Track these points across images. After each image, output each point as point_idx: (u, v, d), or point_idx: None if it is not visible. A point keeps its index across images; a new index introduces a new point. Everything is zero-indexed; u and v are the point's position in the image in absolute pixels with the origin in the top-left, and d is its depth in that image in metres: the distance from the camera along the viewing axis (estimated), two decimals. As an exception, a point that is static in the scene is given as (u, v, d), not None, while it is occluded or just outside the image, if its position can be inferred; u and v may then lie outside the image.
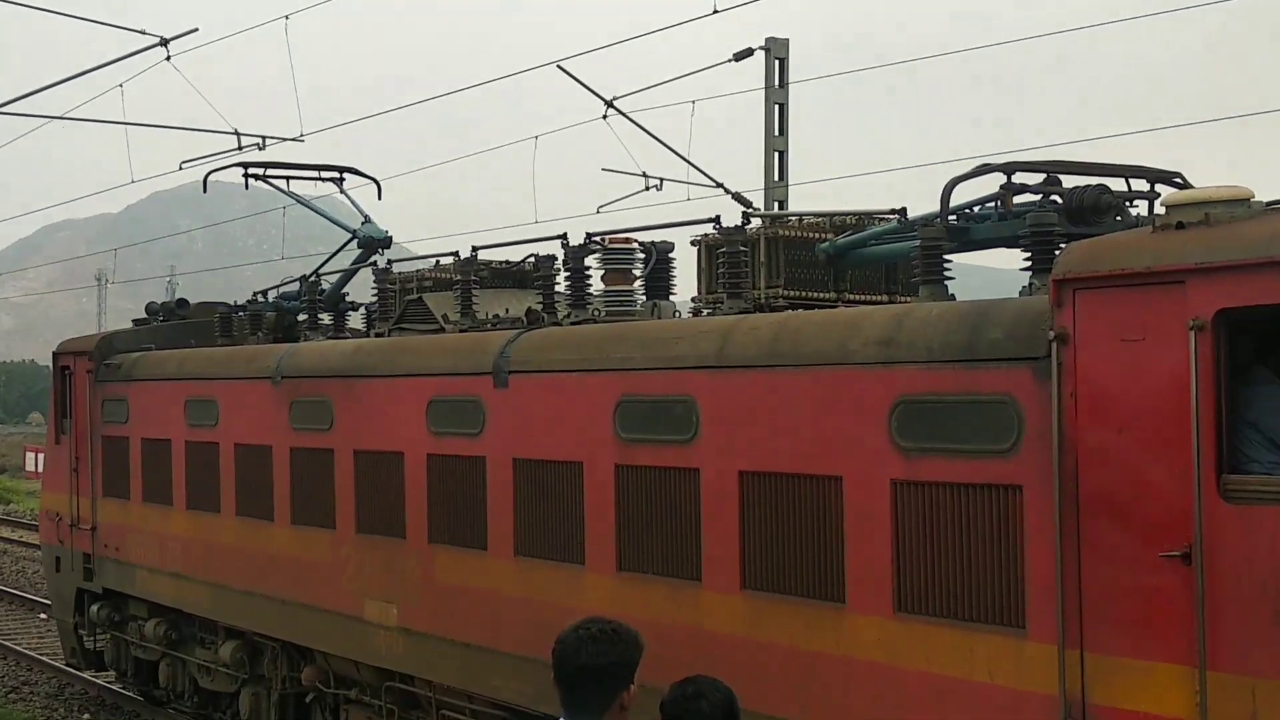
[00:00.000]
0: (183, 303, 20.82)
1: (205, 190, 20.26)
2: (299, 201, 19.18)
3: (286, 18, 21.77)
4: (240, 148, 22.47)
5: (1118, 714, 7.25)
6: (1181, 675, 7.16)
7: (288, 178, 19.00)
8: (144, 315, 20.68)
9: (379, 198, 19.08)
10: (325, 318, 17.37)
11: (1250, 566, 6.94)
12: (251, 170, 18.80)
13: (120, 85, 21.75)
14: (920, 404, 8.64)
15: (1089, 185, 9.38)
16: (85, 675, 21.20)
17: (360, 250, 17.65)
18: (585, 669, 5.26)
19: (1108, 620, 7.52)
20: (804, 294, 11.18)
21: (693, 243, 11.93)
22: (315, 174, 19.16)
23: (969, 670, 8.29)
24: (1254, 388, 7.16)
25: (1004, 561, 8.13)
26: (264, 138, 22.75)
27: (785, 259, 11.34)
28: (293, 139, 22.91)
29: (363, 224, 17.93)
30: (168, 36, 20.50)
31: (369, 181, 19.40)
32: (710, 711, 5.38)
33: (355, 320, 17.36)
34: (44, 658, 23.37)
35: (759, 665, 9.40)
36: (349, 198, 18.83)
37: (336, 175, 19.08)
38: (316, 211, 18.75)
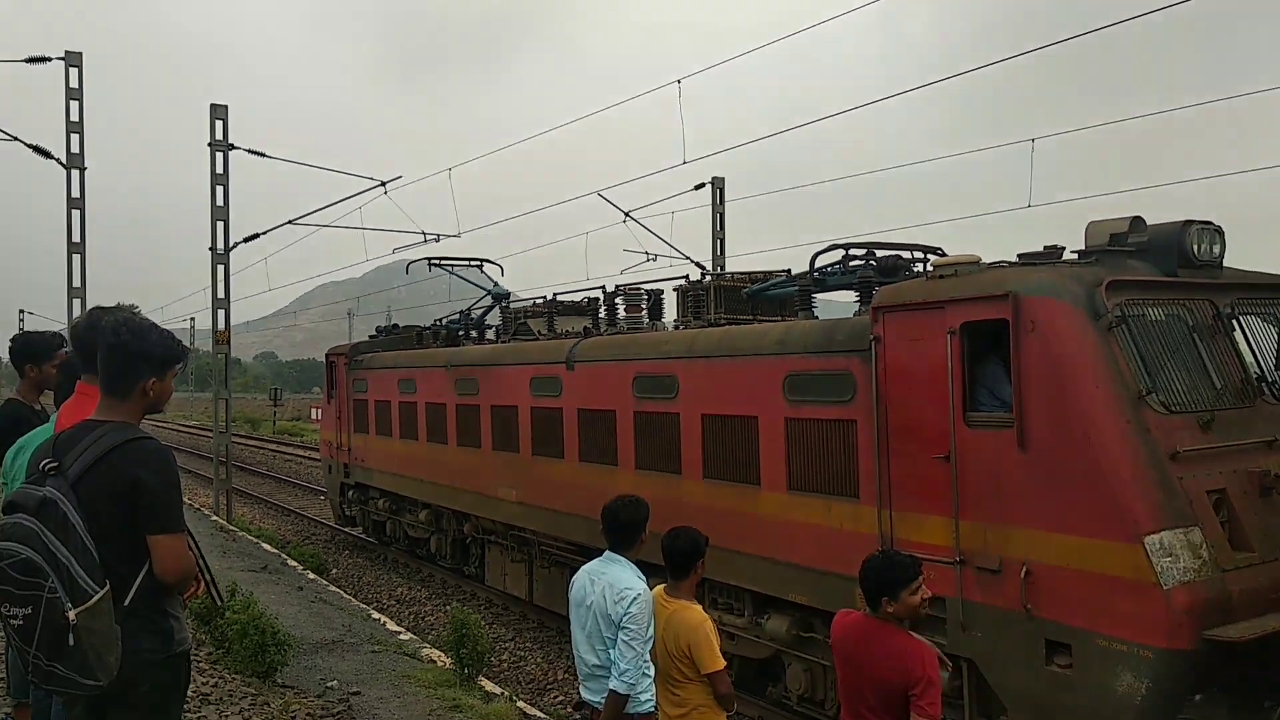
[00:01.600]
0: (395, 325, 20.79)
1: (408, 272, 20.20)
2: (459, 277, 19.13)
3: (450, 170, 21.80)
4: (425, 240, 22.50)
5: (911, 544, 7.28)
6: (945, 523, 7.18)
7: (452, 267, 19.07)
8: (375, 333, 20.69)
9: (502, 274, 19.03)
10: (474, 333, 17.45)
11: (982, 462, 6.96)
12: (433, 261, 18.87)
13: (360, 208, 21.78)
14: (801, 376, 8.65)
15: (891, 255, 9.38)
16: (345, 530, 21.29)
17: (492, 300, 17.62)
18: (620, 520, 5.26)
19: (904, 493, 7.53)
20: (735, 317, 11.17)
21: (674, 289, 11.93)
22: (466, 262, 19.21)
23: (829, 521, 8.30)
24: (984, 366, 7.17)
25: (847, 461, 8.14)
26: (438, 235, 22.79)
27: (725, 298, 11.33)
28: (453, 236, 22.92)
29: (494, 286, 17.91)
30: (385, 180, 20.55)
31: (496, 264, 19.36)
32: (688, 542, 5.31)
33: (489, 335, 17.38)
34: (322, 520, 23.46)
35: (715, 520, 9.43)
36: (486, 275, 18.80)
37: (479, 262, 19.09)
38: (469, 281, 18.80)
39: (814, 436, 8.46)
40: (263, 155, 20.99)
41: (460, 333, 17.54)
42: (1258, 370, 7.20)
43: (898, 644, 4.48)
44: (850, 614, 4.79)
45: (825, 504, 8.32)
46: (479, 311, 17.69)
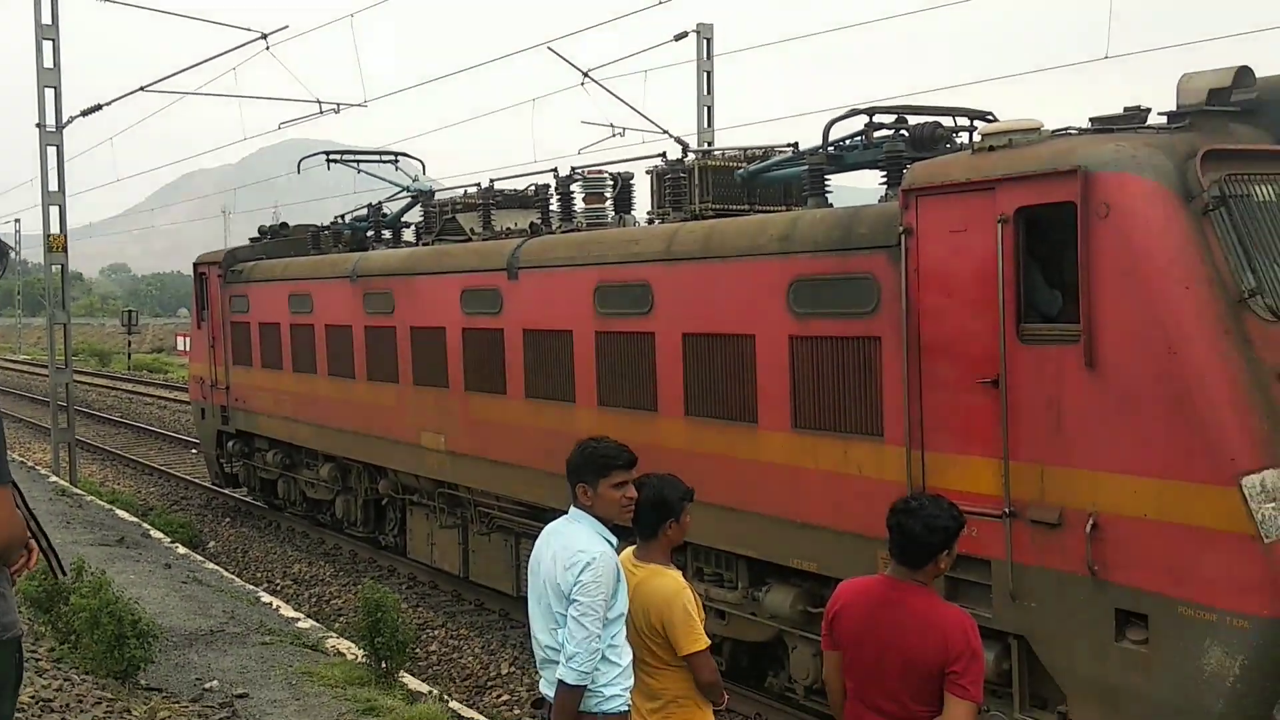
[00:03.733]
0: (284, 225, 20.58)
1: (300, 172, 19.85)
2: (368, 174, 18.88)
3: (352, 16, 21.39)
4: (321, 111, 22.16)
5: (948, 493, 7.37)
6: (991, 465, 7.30)
7: (358, 163, 18.80)
8: (257, 235, 20.50)
9: (424, 172, 18.76)
10: (386, 234, 17.35)
11: (1039, 388, 7.06)
12: (332, 157, 18.60)
13: (234, 69, 21.36)
14: (810, 282, 8.67)
15: (927, 122, 9.36)
16: (225, 491, 21.36)
17: (411, 198, 17.45)
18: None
19: (940, 429, 7.64)
20: (726, 207, 11.14)
21: (647, 172, 11.87)
22: (377, 157, 18.96)
23: (845, 467, 8.41)
24: (1043, 264, 7.20)
25: (867, 390, 8.22)
26: (337, 105, 22.44)
27: (713, 182, 11.28)
28: (358, 104, 22.60)
29: (413, 181, 17.71)
30: (267, 31, 20.15)
31: (416, 159, 19.09)
32: (653, 493, 5.34)
33: (407, 235, 17.27)
34: (195, 480, 23.51)
35: (700, 469, 9.50)
36: (403, 170, 18.56)
37: (393, 158, 18.87)
38: (380, 178, 18.55)
39: (826, 359, 8.53)
40: (102, -1, 20.49)
41: (369, 233, 17.44)
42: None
43: (933, 612, 4.58)
44: (858, 580, 4.88)
45: (840, 445, 8.42)
46: (394, 207, 17.55)
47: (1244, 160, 6.99)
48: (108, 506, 18.34)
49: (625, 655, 5.07)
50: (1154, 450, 6.50)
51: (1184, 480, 6.35)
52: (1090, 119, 7.59)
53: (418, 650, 11.93)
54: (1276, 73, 7.34)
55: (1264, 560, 6.07)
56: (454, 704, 9.16)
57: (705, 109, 23.46)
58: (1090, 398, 6.79)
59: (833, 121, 9.62)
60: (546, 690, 5.17)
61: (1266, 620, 6.08)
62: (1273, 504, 6.12)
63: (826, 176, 9.75)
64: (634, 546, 5.38)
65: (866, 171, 9.71)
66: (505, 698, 11.17)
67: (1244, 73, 7.29)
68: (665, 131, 19.40)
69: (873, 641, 4.66)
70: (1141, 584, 6.57)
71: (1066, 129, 7.61)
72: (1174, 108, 7.38)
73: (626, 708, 5.09)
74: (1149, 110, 7.51)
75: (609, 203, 12.37)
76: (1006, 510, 7.19)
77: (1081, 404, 6.83)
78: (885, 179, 9.10)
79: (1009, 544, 7.21)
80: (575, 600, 4.95)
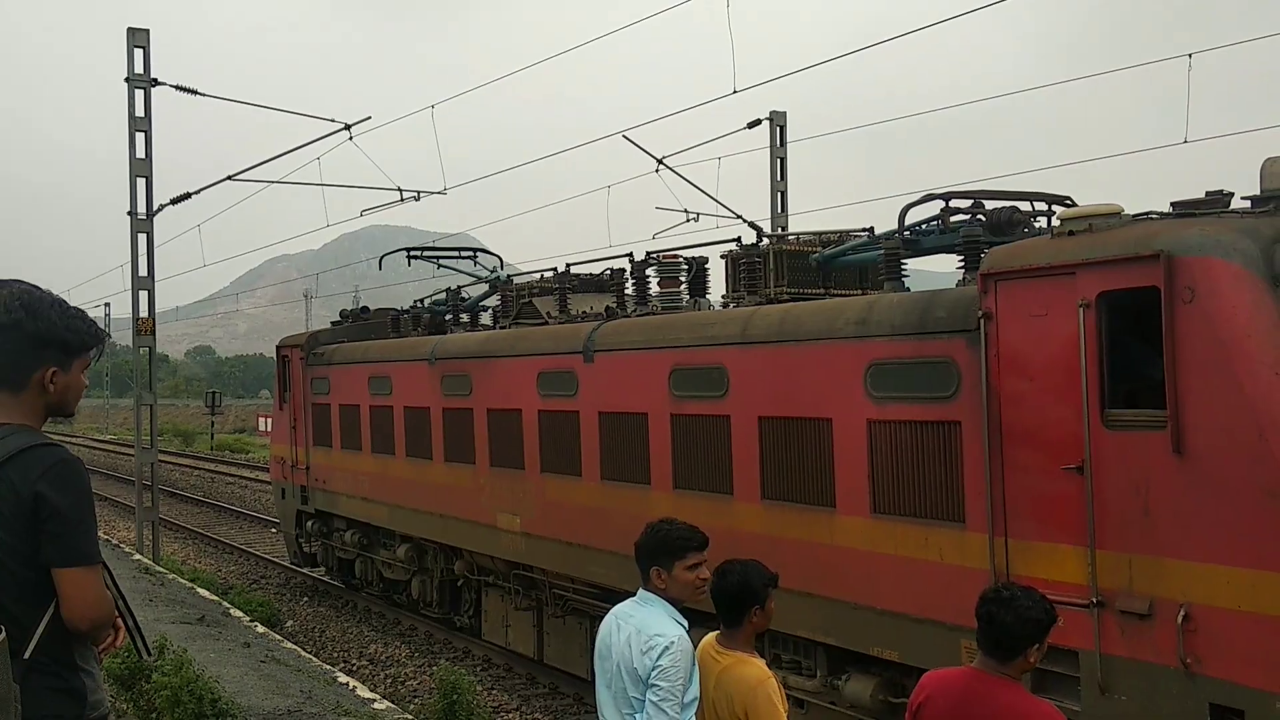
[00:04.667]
0: (365, 309, 20.89)
1: (381, 268, 20.21)
2: (449, 268, 19.15)
3: (433, 107, 21.91)
4: (402, 199, 22.61)
5: (1033, 581, 7.23)
6: (1078, 553, 7.15)
7: (438, 260, 19.11)
8: (338, 319, 20.82)
9: (501, 265, 19.02)
10: (464, 318, 17.53)
11: (1125, 474, 6.92)
12: (412, 253, 18.94)
13: (318, 159, 21.93)
14: (888, 366, 8.62)
15: (1004, 207, 9.33)
16: (303, 570, 21.49)
17: (490, 288, 17.65)
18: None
19: (1023, 515, 7.51)
20: (801, 291, 11.15)
21: (721, 257, 11.93)
22: (456, 253, 19.27)
23: (926, 553, 8.29)
24: (1129, 350, 7.10)
25: (948, 475, 8.12)
26: (418, 193, 22.88)
27: (788, 266, 11.31)
28: (437, 192, 23.03)
29: (492, 272, 17.93)
30: (351, 122, 20.69)
31: (494, 254, 19.37)
32: (738, 581, 5.28)
33: (484, 319, 17.44)
34: (274, 559, 23.69)
35: (777, 553, 9.40)
36: (482, 265, 18.85)
37: (471, 253, 19.18)
38: (460, 271, 18.83)
39: (905, 444, 8.44)
40: (194, 93, 21.23)
41: (448, 317, 17.63)
42: None
43: (1023, 706, 4.45)
44: (944, 672, 4.77)
45: (921, 531, 8.31)
46: (473, 292, 17.78)
47: (1332, 244, 6.85)
48: (189, 585, 18.53)
49: None
50: (1246, 539, 6.32)
51: (1278, 571, 6.16)
52: (1171, 203, 7.51)
53: (492, 734, 11.82)
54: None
55: (1367, 655, 5.83)
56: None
57: (779, 195, 23.61)
58: (1179, 485, 6.63)
59: (908, 206, 9.64)
60: None
61: (1371, 718, 5.83)
62: (1374, 596, 5.90)
63: (903, 261, 9.73)
64: (717, 634, 5.32)
65: (943, 256, 9.68)
66: (579, 784, 11.02)
67: (1330, 156, 7.18)
68: (739, 216, 19.58)
69: (960, 738, 4.53)
70: (1236, 677, 6.35)
71: (1148, 213, 7.55)
72: (1258, 191, 7.28)
73: None
74: (1232, 194, 7.42)
75: (684, 287, 12.43)
76: (1094, 600, 7.02)
77: (1170, 491, 6.68)
78: (963, 263, 9.07)
79: (1097, 635, 7.02)
80: (655, 685, 4.91)
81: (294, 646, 14.83)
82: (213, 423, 62.43)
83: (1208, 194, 7.46)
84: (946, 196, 9.48)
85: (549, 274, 15.28)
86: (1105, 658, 6.99)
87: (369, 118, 20.29)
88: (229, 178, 22.07)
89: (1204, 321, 6.56)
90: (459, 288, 17.85)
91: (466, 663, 15.43)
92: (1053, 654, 7.04)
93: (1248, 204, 7.28)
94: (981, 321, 7.68)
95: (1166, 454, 6.66)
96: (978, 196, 9.49)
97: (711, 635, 5.32)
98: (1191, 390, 6.59)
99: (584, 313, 13.58)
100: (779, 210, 23.53)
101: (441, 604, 16.65)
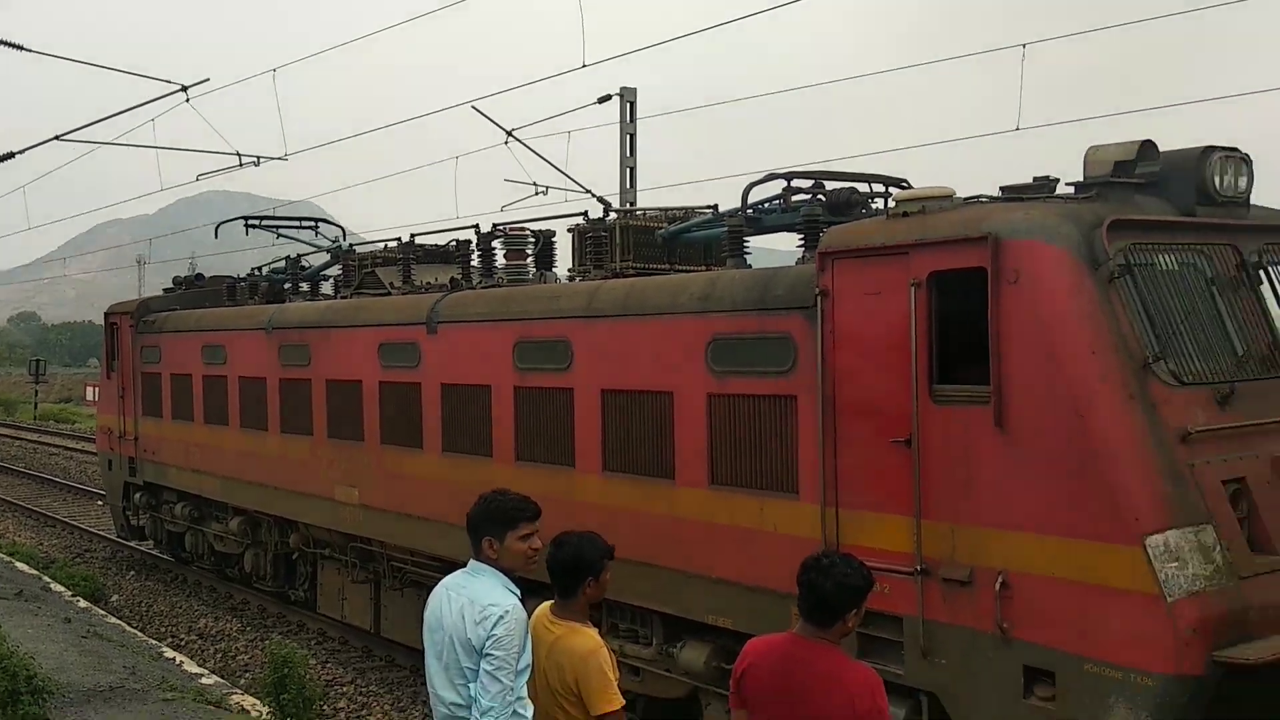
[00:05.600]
0: (199, 276, 20.28)
1: (217, 236, 19.48)
2: (288, 238, 18.59)
3: (274, 70, 21.28)
4: (240, 164, 21.89)
5: (861, 550, 7.40)
6: (904, 523, 7.34)
7: (277, 229, 18.55)
8: (171, 286, 20.15)
9: (344, 236, 18.54)
10: (304, 287, 17.13)
11: (950, 447, 7.12)
12: (250, 222, 18.36)
13: (153, 120, 21.07)
14: (728, 340, 8.70)
15: (843, 187, 9.51)
16: (131, 544, 20.80)
17: (332, 257, 17.23)
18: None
19: (854, 487, 7.66)
20: (647, 266, 11.18)
21: (569, 230, 11.88)
22: (297, 223, 18.75)
23: (760, 523, 8.40)
24: (956, 327, 7.30)
25: (783, 448, 8.24)
26: (258, 158, 22.18)
27: (634, 241, 11.33)
28: (278, 158, 22.38)
29: (334, 242, 17.48)
30: (188, 84, 19.91)
31: (337, 225, 18.84)
32: (572, 553, 5.29)
33: (325, 289, 17.07)
34: (100, 532, 22.85)
35: (616, 524, 9.43)
36: (324, 235, 18.34)
37: (313, 224, 18.68)
38: (301, 241, 18.30)
39: (744, 417, 8.54)
40: (21, 49, 20.11)
41: (286, 286, 17.20)
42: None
43: (840, 671, 4.57)
44: (766, 638, 4.86)
45: (756, 502, 8.42)
46: (313, 261, 17.34)
47: (1147, 230, 7.18)
48: (6, 559, 17.75)
49: (529, 708, 5.03)
50: (1061, 510, 6.57)
51: (1090, 540, 6.43)
52: (1001, 188, 7.75)
53: (325, 707, 11.62)
54: (1179, 147, 7.57)
55: (1167, 619, 6.15)
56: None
57: (628, 170, 23.64)
58: (1000, 458, 6.86)
59: (751, 185, 9.71)
60: None
61: (1169, 678, 6.15)
62: (1175, 563, 6.21)
63: (745, 238, 9.84)
64: (551, 603, 5.32)
65: (784, 235, 9.81)
66: (414, 757, 10.92)
67: (1148, 147, 7.51)
68: (588, 191, 19.53)
69: (779, 700, 4.62)
70: (1049, 642, 6.61)
71: (978, 197, 7.77)
72: (1081, 178, 7.57)
73: None
74: (1058, 180, 7.70)
75: (530, 260, 12.36)
76: (918, 568, 7.22)
77: (991, 464, 6.90)
78: (802, 242, 9.20)
79: (920, 601, 7.22)
80: (490, 654, 4.89)
81: (119, 621, 14.32)
82: (36, 391, 59.73)
83: (1035, 179, 7.72)
84: (789, 176, 9.60)
85: (393, 244, 15.01)
86: (928, 623, 7.20)
87: (207, 79, 19.54)
88: (56, 137, 21.00)
89: (1027, 302, 6.79)
90: (299, 256, 17.42)
91: (301, 636, 15.14)
92: (879, 620, 7.27)
93: (1071, 190, 7.56)
94: (819, 299, 7.80)
95: (989, 428, 6.88)
96: (819, 177, 9.64)
97: (545, 605, 5.32)
98: (1014, 368, 6.81)
99: (428, 284, 13.39)
100: (628, 186, 23.57)
101: (276, 577, 16.28)
